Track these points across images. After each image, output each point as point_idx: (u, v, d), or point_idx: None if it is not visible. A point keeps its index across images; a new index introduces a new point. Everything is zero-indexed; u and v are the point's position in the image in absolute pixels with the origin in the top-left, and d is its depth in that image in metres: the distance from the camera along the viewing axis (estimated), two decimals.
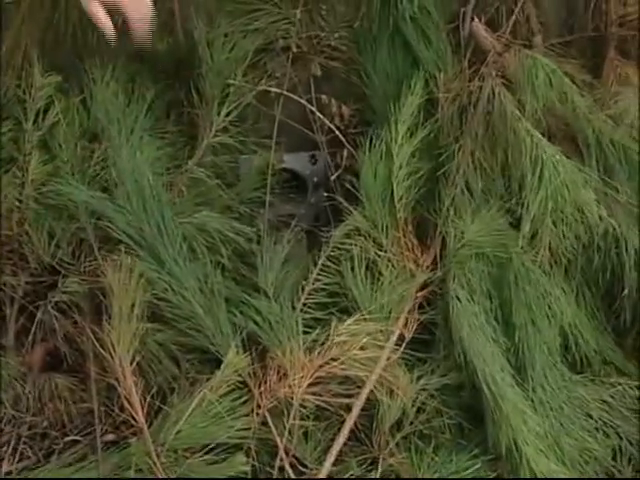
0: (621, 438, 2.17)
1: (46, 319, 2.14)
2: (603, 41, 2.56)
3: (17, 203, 2.19)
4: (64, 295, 2.13)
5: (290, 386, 1.97)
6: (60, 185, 2.15)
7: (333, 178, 2.47)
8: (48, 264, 2.18)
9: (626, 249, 2.23)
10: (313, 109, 2.46)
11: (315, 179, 2.54)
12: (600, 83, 2.44)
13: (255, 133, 2.47)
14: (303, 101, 2.45)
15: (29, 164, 2.20)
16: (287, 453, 1.97)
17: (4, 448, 2.05)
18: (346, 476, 1.99)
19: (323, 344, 2.01)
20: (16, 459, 2.04)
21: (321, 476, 1.96)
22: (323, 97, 2.49)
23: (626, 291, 2.25)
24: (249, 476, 1.94)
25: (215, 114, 2.36)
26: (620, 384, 2.24)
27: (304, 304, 2.14)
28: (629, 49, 2.55)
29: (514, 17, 2.45)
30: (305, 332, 2.07)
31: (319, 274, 2.18)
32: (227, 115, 2.38)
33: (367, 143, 2.28)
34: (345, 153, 2.48)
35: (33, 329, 2.15)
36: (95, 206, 2.11)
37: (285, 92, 2.42)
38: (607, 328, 2.32)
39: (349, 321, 2.03)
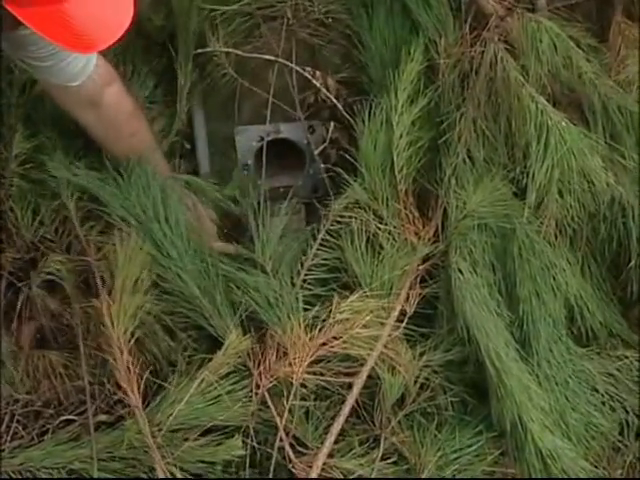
0: (628, 412, 2.16)
1: (33, 296, 2.12)
2: (609, 3, 2.49)
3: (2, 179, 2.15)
4: (49, 273, 2.11)
5: (290, 365, 1.95)
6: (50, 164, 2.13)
7: (317, 152, 2.46)
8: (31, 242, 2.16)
9: (633, 218, 2.21)
10: (308, 75, 2.43)
11: (313, 149, 2.50)
12: (607, 47, 2.38)
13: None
14: (298, 68, 2.41)
15: (13, 138, 2.16)
16: (287, 433, 1.95)
17: None
18: (347, 455, 1.98)
19: (324, 321, 1.99)
20: (9, 438, 2.02)
21: (321, 455, 1.94)
22: (308, 69, 2.44)
23: (633, 262, 2.22)
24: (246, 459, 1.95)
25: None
26: (627, 357, 2.22)
27: (304, 280, 2.12)
28: (636, 11, 2.48)
29: None
30: (305, 309, 2.05)
31: (319, 249, 2.16)
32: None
33: (366, 112, 2.23)
34: (332, 126, 2.46)
35: (19, 306, 2.13)
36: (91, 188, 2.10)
37: (280, 59, 2.39)
38: (613, 300, 2.31)
39: (351, 298, 2.01)
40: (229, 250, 2.24)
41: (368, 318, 1.97)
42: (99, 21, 1.48)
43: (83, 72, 1.95)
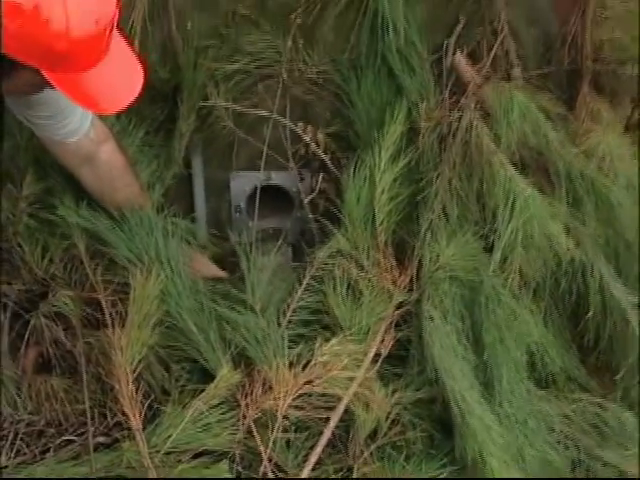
0: (580, 451, 2.28)
1: (40, 325, 2.23)
2: (579, 74, 2.66)
3: (11, 217, 2.27)
4: (56, 305, 2.23)
5: (275, 399, 2.07)
6: (61, 207, 2.25)
7: (307, 201, 2.60)
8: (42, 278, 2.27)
9: (592, 274, 2.35)
10: (299, 131, 2.57)
11: (302, 196, 2.65)
12: (574, 116, 2.55)
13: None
14: (289, 123, 2.56)
15: (24, 180, 2.28)
16: (270, 460, 2.07)
17: (2, 443, 2.12)
18: None
19: (307, 363, 2.11)
20: (13, 454, 2.11)
21: None
22: (299, 124, 2.58)
23: (590, 313, 2.36)
24: None
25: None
26: (582, 400, 2.35)
27: (289, 321, 2.24)
28: (604, 83, 2.66)
29: (494, 50, 2.57)
30: (290, 347, 2.17)
31: (304, 293, 2.29)
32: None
33: (351, 168, 2.38)
34: (320, 177, 2.60)
35: (27, 335, 2.24)
36: (98, 231, 2.23)
37: (274, 115, 2.53)
38: (572, 347, 2.44)
39: (331, 342, 2.14)
40: (221, 275, 2.39)
41: (346, 361, 2.10)
42: (113, 89, 1.69)
43: (79, 130, 2.09)
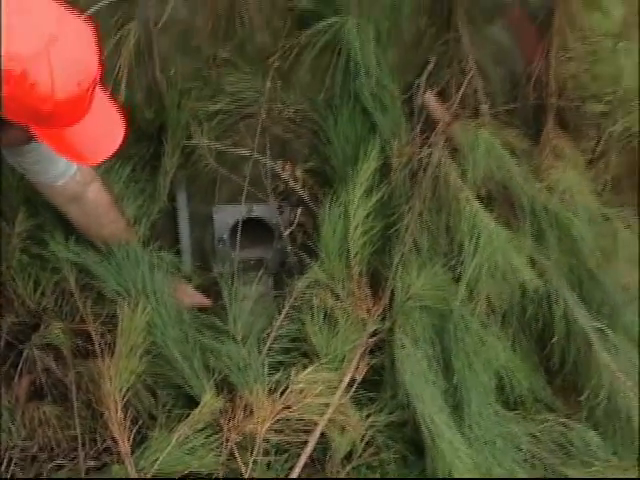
0: (546, 469, 2.37)
1: (33, 356, 2.31)
2: (544, 110, 2.78)
3: (5, 253, 2.34)
4: (48, 337, 2.31)
5: (256, 423, 2.16)
6: (52, 242, 2.33)
7: (286, 234, 2.69)
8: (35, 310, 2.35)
9: (556, 301, 2.46)
10: (278, 169, 2.68)
11: (282, 228, 2.74)
12: (538, 151, 2.65)
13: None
14: (269, 161, 2.66)
15: (16, 217, 2.37)
16: None
17: None
18: None
19: (285, 390, 2.21)
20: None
21: None
22: (278, 162, 2.69)
23: (555, 338, 2.47)
24: None
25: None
26: (548, 420, 2.43)
27: (269, 349, 2.34)
28: (568, 119, 2.78)
29: (463, 89, 2.69)
30: (270, 374, 2.27)
31: (283, 321, 2.39)
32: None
33: (327, 203, 2.48)
34: (299, 211, 2.70)
35: (20, 365, 2.32)
36: (88, 265, 2.31)
37: (255, 154, 2.64)
38: (539, 370, 2.53)
39: (307, 370, 2.23)
40: (206, 303, 2.48)
41: (321, 388, 2.20)
42: (96, 141, 1.81)
43: (66, 174, 2.18)
